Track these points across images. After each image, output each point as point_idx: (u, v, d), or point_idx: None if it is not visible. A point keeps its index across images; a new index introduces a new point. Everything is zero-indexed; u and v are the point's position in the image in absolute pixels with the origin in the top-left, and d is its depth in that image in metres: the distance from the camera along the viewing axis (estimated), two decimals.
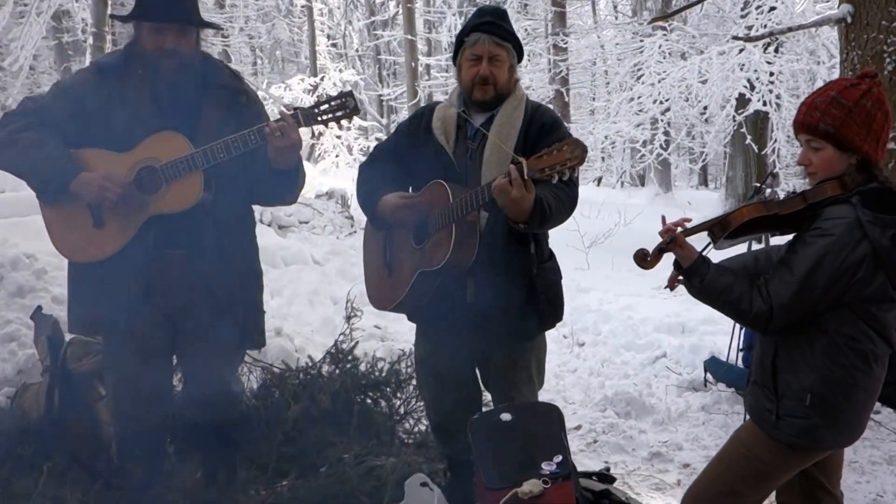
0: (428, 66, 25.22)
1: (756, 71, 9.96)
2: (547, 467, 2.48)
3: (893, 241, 2.18)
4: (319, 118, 2.80)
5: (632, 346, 5.95)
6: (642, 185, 21.70)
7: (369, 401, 3.90)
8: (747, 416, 2.49)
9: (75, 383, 3.43)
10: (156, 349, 2.93)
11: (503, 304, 2.92)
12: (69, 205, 2.77)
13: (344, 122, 3.05)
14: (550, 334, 6.97)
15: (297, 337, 4.99)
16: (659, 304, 7.04)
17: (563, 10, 18.11)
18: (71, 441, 3.37)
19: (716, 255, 2.42)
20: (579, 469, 3.83)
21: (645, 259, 2.37)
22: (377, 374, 3.93)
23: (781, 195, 2.51)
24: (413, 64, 18.34)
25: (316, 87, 19.39)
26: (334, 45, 26.57)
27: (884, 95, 2.33)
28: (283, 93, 18.69)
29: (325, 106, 2.81)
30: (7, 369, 3.78)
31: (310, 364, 3.95)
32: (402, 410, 3.92)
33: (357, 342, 4.07)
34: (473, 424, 2.68)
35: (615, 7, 25.62)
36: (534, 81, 19.89)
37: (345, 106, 2.81)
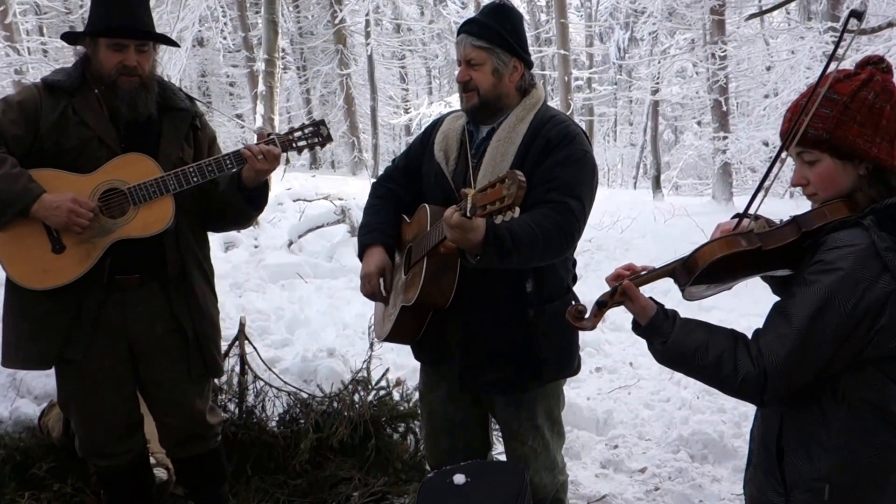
0: (590, 80, 24.32)
1: None
2: None
3: None
4: (294, 144, 2.69)
5: None
6: None
7: (397, 435, 3.46)
8: None
9: None
10: (118, 380, 2.66)
11: (490, 348, 2.41)
12: (23, 226, 2.47)
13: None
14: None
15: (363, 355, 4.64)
16: None
17: (722, 18, 16.68)
18: (83, 463, 3.13)
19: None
20: None
21: (580, 317, 1.70)
22: (408, 404, 3.49)
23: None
24: (566, 78, 17.59)
25: None
26: None
27: (892, 83, 1.62)
28: (442, 109, 18.63)
29: (299, 133, 2.70)
30: (49, 384, 3.61)
31: (342, 389, 3.57)
32: None
33: (388, 369, 3.66)
34: (423, 486, 2.17)
35: (787, 12, 23.52)
36: (690, 91, 18.53)
37: (318, 134, 2.71)
